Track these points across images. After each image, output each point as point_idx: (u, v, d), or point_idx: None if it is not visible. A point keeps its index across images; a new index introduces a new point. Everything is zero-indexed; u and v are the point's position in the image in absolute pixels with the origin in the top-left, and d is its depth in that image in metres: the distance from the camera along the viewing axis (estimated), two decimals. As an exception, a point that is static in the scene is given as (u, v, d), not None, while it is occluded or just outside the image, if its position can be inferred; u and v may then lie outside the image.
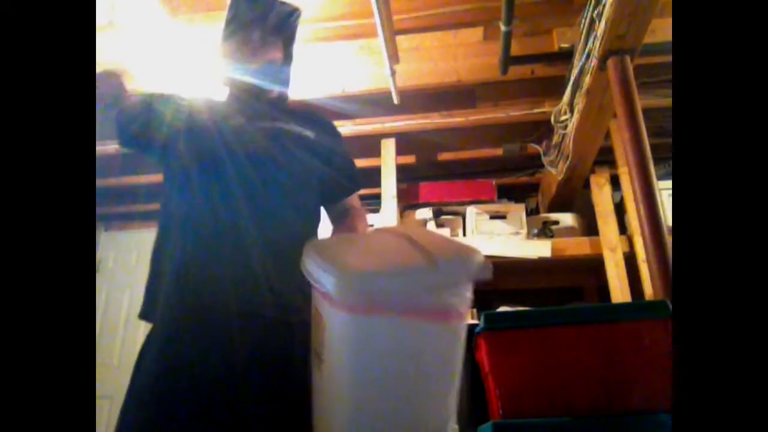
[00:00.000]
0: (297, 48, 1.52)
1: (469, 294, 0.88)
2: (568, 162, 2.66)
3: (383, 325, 0.82)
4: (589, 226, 2.98)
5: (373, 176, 3.12)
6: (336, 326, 0.84)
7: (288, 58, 1.48)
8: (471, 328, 1.48)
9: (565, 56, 2.50)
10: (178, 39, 2.63)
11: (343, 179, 1.48)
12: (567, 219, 2.99)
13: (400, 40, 2.67)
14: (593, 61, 2.08)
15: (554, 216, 3.02)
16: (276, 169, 1.36)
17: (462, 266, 0.87)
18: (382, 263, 0.87)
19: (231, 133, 1.35)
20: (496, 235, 2.92)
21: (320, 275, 0.85)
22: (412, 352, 0.87)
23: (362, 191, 1.54)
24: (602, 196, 2.93)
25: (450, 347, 0.90)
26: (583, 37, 2.14)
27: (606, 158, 2.90)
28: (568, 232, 2.95)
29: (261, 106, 1.45)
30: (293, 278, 1.13)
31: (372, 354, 0.83)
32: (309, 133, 1.44)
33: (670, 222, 2.14)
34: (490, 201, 3.09)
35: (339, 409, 0.87)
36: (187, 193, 1.28)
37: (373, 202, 3.13)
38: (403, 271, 0.84)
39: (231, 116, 1.40)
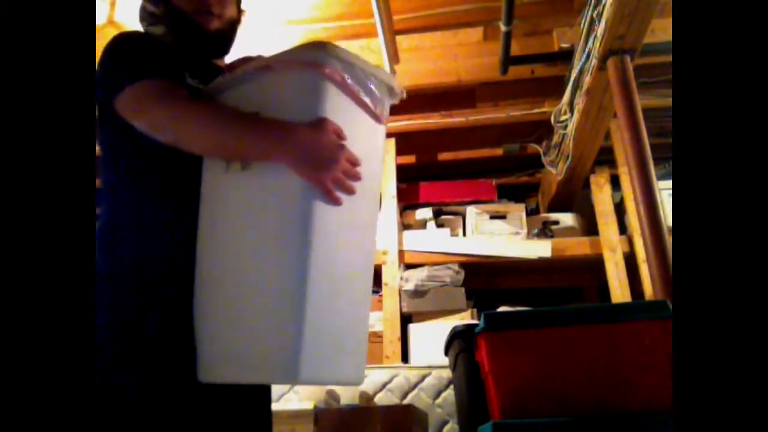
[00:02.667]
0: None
1: (388, 110, 1.08)
2: (568, 162, 2.66)
3: (333, 95, 0.97)
4: (589, 226, 2.97)
5: (373, 176, 3.11)
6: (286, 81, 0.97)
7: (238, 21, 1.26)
8: (471, 328, 1.49)
9: (565, 56, 2.50)
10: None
11: None
12: (567, 219, 2.99)
13: (400, 40, 2.67)
14: (593, 61, 2.08)
15: (554, 216, 3.02)
16: None
17: (391, 80, 1.10)
18: None
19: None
20: (496, 235, 2.92)
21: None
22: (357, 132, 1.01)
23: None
24: (602, 196, 2.94)
25: (379, 146, 1.08)
26: (583, 37, 2.15)
27: (606, 158, 2.90)
28: (568, 232, 2.95)
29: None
30: None
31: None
32: None
33: (670, 222, 2.14)
34: (490, 201, 3.09)
35: None
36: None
37: (373, 202, 3.12)
38: (358, 59, 1.04)
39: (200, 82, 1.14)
